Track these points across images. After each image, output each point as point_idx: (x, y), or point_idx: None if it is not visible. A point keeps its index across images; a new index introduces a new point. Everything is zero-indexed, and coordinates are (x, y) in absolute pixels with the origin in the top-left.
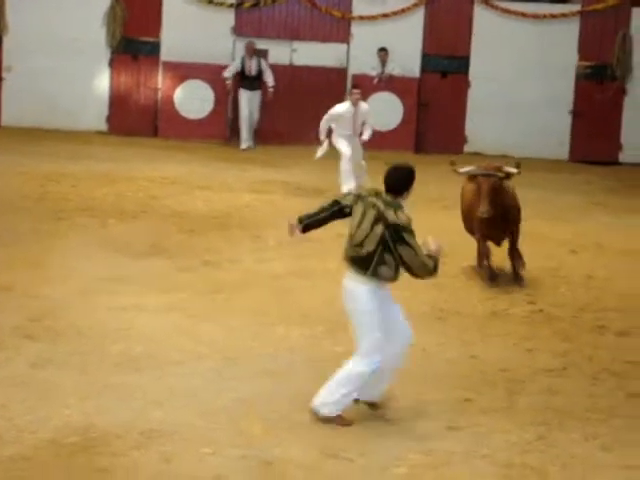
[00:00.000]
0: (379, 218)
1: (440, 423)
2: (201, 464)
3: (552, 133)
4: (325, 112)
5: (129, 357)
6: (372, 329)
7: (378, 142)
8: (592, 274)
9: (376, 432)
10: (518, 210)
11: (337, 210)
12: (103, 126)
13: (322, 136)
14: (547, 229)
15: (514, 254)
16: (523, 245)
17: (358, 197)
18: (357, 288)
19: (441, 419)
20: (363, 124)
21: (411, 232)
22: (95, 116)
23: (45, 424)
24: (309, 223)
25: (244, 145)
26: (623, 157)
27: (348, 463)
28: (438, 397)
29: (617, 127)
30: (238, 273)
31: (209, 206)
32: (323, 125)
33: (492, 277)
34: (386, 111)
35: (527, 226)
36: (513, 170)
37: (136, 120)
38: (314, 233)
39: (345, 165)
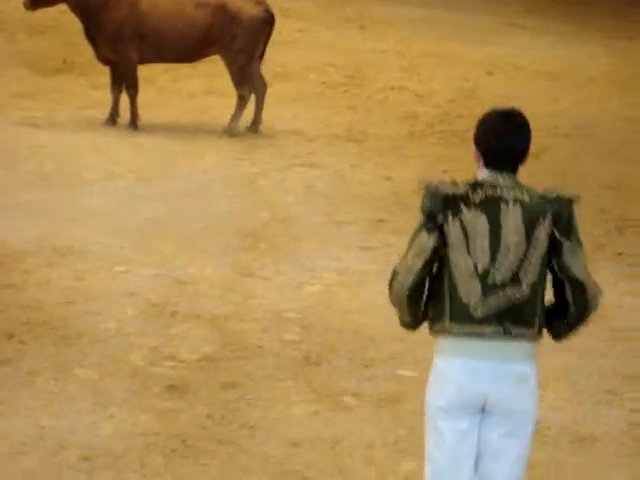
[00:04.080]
0: (536, 213)
1: (354, 243)
2: (114, 282)
3: None
4: None
5: (41, 175)
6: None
7: None
8: (508, 95)
9: (291, 252)
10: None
11: (433, 257)
12: None
13: None
14: (462, 51)
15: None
16: (438, 68)
17: (449, 200)
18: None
19: (355, 239)
20: None
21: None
22: None
23: None
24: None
25: None
26: None
27: (263, 281)
28: (352, 218)
29: None
30: (152, 92)
31: None
32: None
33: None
34: None
35: (441, 48)
36: None
37: None
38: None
39: None
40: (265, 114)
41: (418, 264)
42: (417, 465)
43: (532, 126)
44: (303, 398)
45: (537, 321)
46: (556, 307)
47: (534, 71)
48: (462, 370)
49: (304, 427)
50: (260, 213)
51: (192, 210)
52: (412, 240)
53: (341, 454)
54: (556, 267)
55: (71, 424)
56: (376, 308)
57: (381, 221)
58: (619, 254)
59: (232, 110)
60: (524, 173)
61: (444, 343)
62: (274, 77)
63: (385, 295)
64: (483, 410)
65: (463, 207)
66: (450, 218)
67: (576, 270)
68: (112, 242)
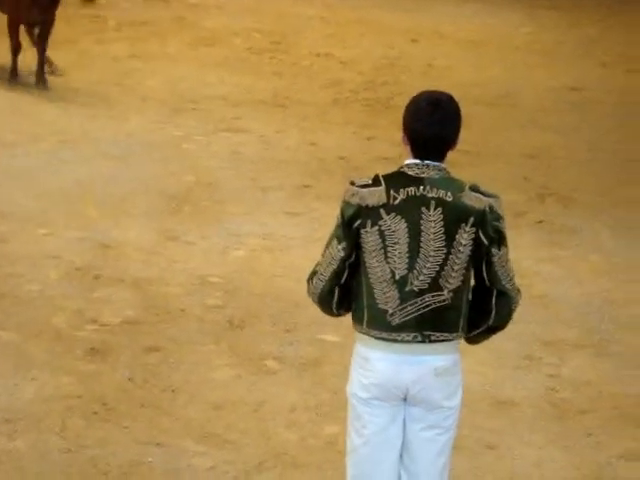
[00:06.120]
0: (458, 217)
1: (279, 208)
2: (37, 245)
3: None
4: None
5: None
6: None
7: None
8: (432, 63)
9: (216, 217)
10: None
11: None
12: None
13: None
14: (387, 18)
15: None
16: (363, 35)
17: (368, 208)
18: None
19: (280, 205)
20: None
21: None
22: None
23: None
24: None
25: None
26: None
27: (188, 246)
28: (276, 183)
29: None
30: (74, 54)
31: None
32: None
33: (12, 75)
34: None
35: (366, 15)
36: None
37: None
38: (153, 16)
39: None
40: (190, 78)
41: (327, 273)
42: (339, 429)
43: (456, 95)
44: (226, 362)
45: (461, 324)
46: (475, 312)
47: (458, 39)
48: (383, 360)
49: (226, 390)
50: (185, 177)
51: (116, 173)
52: (328, 243)
53: (263, 417)
54: (485, 276)
55: None
56: (300, 273)
57: (306, 187)
58: (539, 222)
59: (155, 73)
60: None
61: (364, 337)
62: (199, 41)
63: (309, 260)
64: (406, 401)
65: (383, 213)
66: (369, 224)
67: (505, 281)
68: (35, 205)
